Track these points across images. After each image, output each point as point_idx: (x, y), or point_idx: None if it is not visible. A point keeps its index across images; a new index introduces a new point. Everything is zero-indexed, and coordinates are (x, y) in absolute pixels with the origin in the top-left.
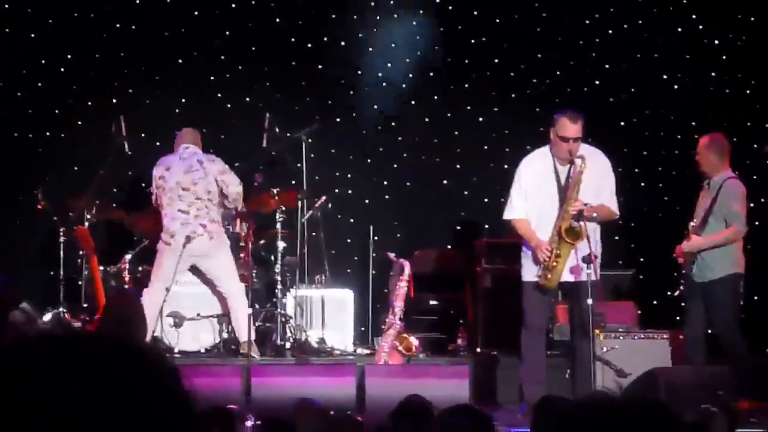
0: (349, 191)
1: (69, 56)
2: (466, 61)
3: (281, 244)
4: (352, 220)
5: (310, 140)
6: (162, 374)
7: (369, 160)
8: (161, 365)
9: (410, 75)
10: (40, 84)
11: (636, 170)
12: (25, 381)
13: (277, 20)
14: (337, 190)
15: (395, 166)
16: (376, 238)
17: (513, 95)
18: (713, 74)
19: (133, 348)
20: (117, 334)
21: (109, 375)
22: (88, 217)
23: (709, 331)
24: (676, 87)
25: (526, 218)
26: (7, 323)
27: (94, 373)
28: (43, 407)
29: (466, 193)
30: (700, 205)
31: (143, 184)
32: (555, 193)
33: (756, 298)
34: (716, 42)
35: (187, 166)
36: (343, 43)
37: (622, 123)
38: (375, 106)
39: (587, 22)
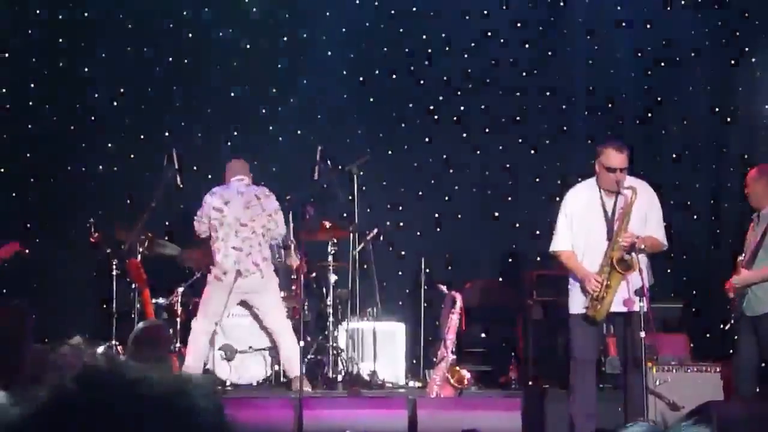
0: (401, 224)
1: (122, 90)
2: (518, 93)
3: (333, 277)
4: (403, 253)
5: (361, 173)
6: (202, 411)
7: (420, 193)
8: (203, 401)
9: (461, 107)
10: (93, 118)
11: (688, 202)
12: (62, 421)
13: (329, 53)
14: (388, 223)
15: (446, 198)
16: (427, 270)
17: (564, 127)
18: (767, 106)
19: (173, 385)
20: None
21: (149, 411)
22: (140, 250)
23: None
24: (728, 119)
25: (572, 250)
26: (30, 353)
27: (134, 409)
28: None
29: (517, 225)
30: (750, 238)
31: (194, 218)
32: (602, 225)
33: None
34: None
35: (246, 201)
36: (394, 76)
37: (674, 155)
38: (426, 139)
39: (639, 54)
